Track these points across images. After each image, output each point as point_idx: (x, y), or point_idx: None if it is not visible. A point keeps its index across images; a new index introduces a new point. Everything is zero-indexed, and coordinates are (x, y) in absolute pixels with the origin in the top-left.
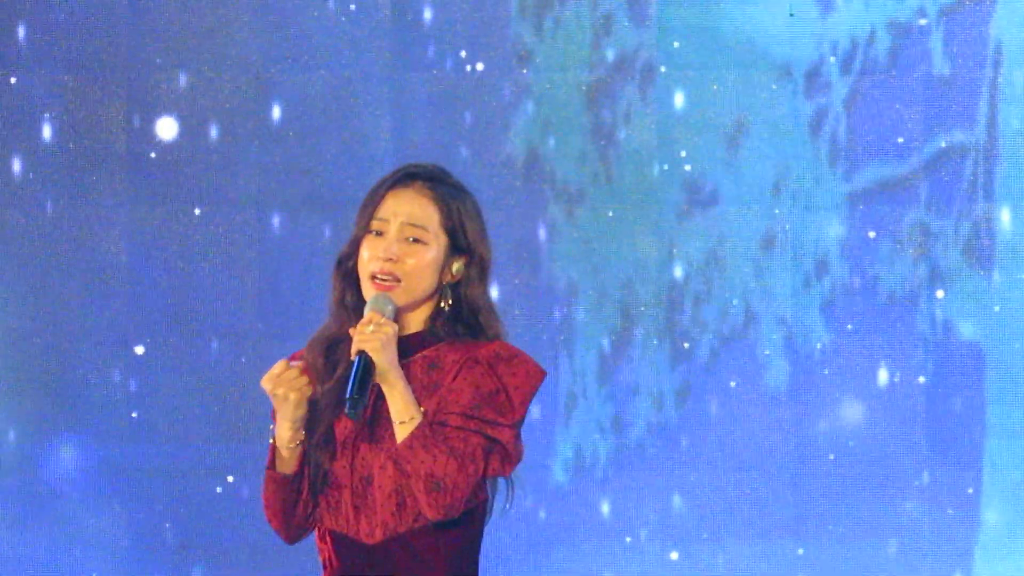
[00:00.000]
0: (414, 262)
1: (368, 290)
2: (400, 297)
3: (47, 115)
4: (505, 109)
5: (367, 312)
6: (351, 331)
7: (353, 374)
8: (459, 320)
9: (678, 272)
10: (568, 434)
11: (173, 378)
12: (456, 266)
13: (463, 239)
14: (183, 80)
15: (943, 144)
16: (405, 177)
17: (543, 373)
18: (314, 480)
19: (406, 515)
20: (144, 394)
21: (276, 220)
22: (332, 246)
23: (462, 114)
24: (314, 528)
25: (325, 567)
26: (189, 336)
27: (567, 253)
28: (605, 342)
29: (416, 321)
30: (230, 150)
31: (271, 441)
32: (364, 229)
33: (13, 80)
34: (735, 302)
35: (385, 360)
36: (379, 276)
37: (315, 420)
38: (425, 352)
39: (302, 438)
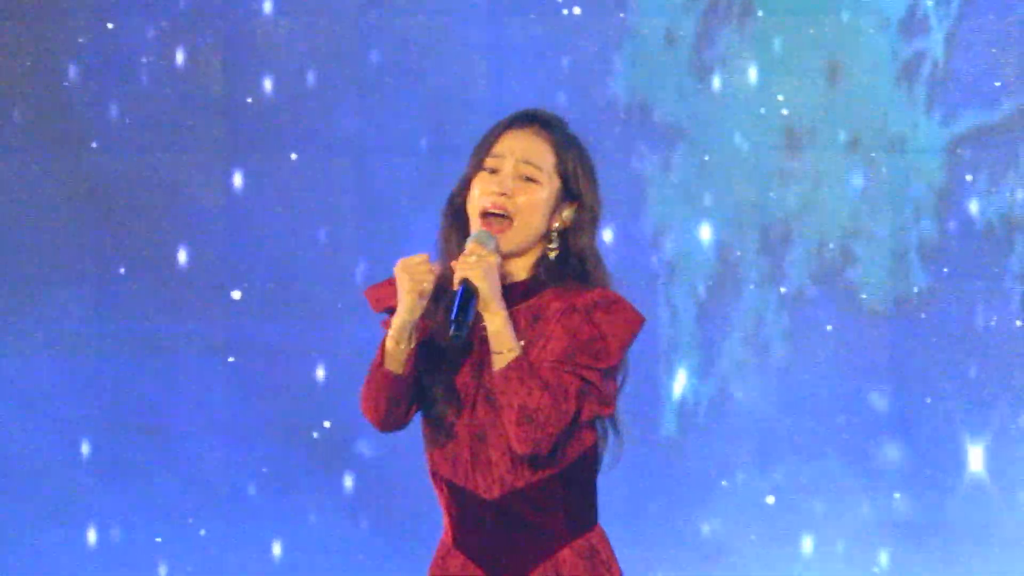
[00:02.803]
0: (526, 199)
1: (477, 227)
2: (511, 238)
3: (144, 60)
4: (602, 53)
5: (468, 245)
6: (452, 264)
7: (457, 300)
8: (565, 266)
9: (775, 216)
10: (667, 382)
11: (267, 324)
12: (567, 212)
13: (575, 185)
14: (282, 26)
15: None
16: (523, 118)
17: (642, 319)
18: (435, 432)
19: (523, 469)
20: (240, 339)
21: (375, 165)
22: (428, 191)
23: (559, 59)
24: (404, 425)
25: (444, 511)
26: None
27: (665, 197)
28: (701, 287)
29: (522, 269)
30: (328, 96)
31: (383, 341)
32: (477, 167)
33: (110, 25)
34: (831, 246)
35: (487, 288)
36: (491, 211)
37: (434, 359)
38: (529, 302)
39: (412, 346)
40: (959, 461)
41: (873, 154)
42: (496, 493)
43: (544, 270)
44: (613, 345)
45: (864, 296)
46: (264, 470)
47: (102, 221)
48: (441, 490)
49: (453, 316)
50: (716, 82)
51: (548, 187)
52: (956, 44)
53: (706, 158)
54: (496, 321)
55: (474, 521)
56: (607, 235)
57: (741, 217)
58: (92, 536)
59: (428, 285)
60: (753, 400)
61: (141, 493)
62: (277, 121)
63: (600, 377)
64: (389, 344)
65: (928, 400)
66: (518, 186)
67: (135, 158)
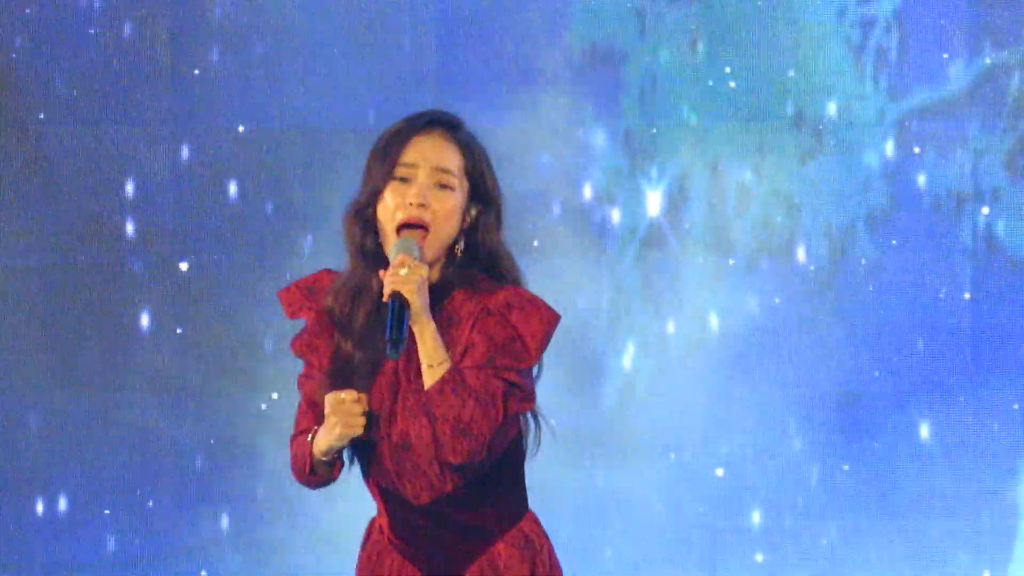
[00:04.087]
0: (441, 207)
1: (392, 239)
2: (428, 246)
3: (91, 32)
4: (551, 25)
5: (395, 255)
6: (382, 274)
7: (390, 316)
8: (474, 264)
9: (721, 188)
10: (612, 349)
11: (216, 297)
12: (473, 212)
13: (482, 185)
14: None
15: (988, 60)
16: (428, 123)
17: (557, 317)
18: (360, 447)
19: (452, 474)
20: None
21: (322, 137)
22: None
23: (508, 31)
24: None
25: (380, 508)
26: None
27: (609, 169)
28: (646, 258)
29: (432, 272)
30: (275, 68)
31: (309, 443)
32: (388, 176)
33: None
34: (779, 218)
35: (419, 302)
36: (410, 223)
37: (349, 377)
38: (441, 304)
39: (338, 456)
40: (905, 436)
41: (820, 126)
42: (425, 499)
43: (454, 271)
44: (531, 345)
45: (812, 268)
46: None
47: (49, 194)
48: (374, 492)
49: (388, 335)
50: (663, 56)
51: (460, 191)
52: (904, 16)
53: (653, 131)
54: (426, 334)
55: (406, 522)
56: (548, 183)
57: (687, 188)
58: None
59: (360, 430)
60: (697, 372)
61: None
62: (224, 93)
63: (521, 376)
64: (317, 456)
65: (876, 373)
66: (433, 194)
67: (82, 130)
